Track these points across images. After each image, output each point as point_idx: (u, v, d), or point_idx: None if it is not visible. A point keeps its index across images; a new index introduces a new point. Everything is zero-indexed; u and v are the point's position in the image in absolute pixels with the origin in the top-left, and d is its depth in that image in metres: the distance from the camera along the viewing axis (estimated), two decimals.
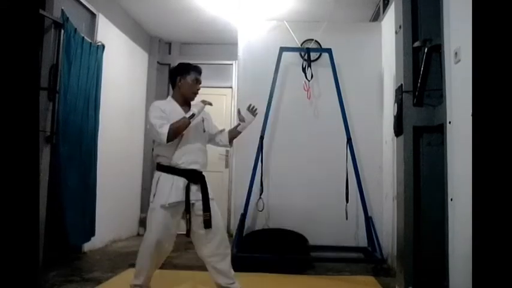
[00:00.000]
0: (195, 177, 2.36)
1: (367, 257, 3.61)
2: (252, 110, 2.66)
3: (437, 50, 2.37)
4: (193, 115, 2.32)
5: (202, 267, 2.54)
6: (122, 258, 3.64)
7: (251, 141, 3.71)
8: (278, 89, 3.91)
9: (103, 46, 3.91)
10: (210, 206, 2.34)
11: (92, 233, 3.70)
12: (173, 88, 2.52)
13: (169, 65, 5.31)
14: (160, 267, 2.50)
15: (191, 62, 2.57)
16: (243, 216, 3.69)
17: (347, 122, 3.72)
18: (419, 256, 2.35)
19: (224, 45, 5.37)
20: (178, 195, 2.29)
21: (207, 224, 2.31)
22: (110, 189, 4.19)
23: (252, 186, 3.69)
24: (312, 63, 3.87)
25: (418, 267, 2.34)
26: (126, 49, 4.74)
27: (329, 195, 3.83)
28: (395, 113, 2.59)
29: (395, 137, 2.68)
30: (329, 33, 4.01)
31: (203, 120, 2.51)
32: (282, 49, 3.86)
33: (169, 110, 2.38)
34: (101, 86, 3.83)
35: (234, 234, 3.84)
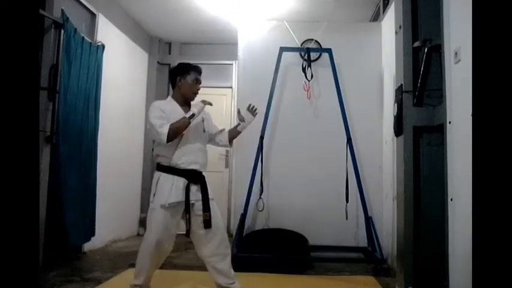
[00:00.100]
0: (195, 177, 2.36)
1: (367, 257, 3.61)
2: (252, 110, 2.66)
3: (437, 50, 2.37)
4: (193, 115, 2.32)
5: (202, 267, 2.54)
6: (121, 258, 3.64)
7: (251, 141, 3.70)
8: (278, 89, 3.91)
9: (103, 46, 3.91)
10: (210, 206, 2.34)
11: (92, 233, 3.70)
12: (173, 88, 2.52)
13: (169, 65, 5.31)
14: (160, 267, 2.50)
15: (191, 62, 2.57)
16: (243, 216, 3.69)
17: (347, 122, 3.72)
18: (419, 256, 2.35)
19: (224, 45, 5.37)
20: (178, 195, 2.29)
21: (207, 224, 2.31)
22: (110, 189, 4.19)
23: (252, 186, 3.69)
24: (312, 63, 3.87)
25: (418, 267, 2.34)
26: (126, 49, 4.74)
27: (329, 195, 3.83)
28: (395, 113, 2.59)
29: (395, 137, 2.68)
30: (329, 33, 4.01)
31: (203, 120, 2.51)
32: (282, 49, 3.86)
33: (169, 110, 2.38)
34: (101, 86, 3.83)
35: (234, 234, 3.84)
